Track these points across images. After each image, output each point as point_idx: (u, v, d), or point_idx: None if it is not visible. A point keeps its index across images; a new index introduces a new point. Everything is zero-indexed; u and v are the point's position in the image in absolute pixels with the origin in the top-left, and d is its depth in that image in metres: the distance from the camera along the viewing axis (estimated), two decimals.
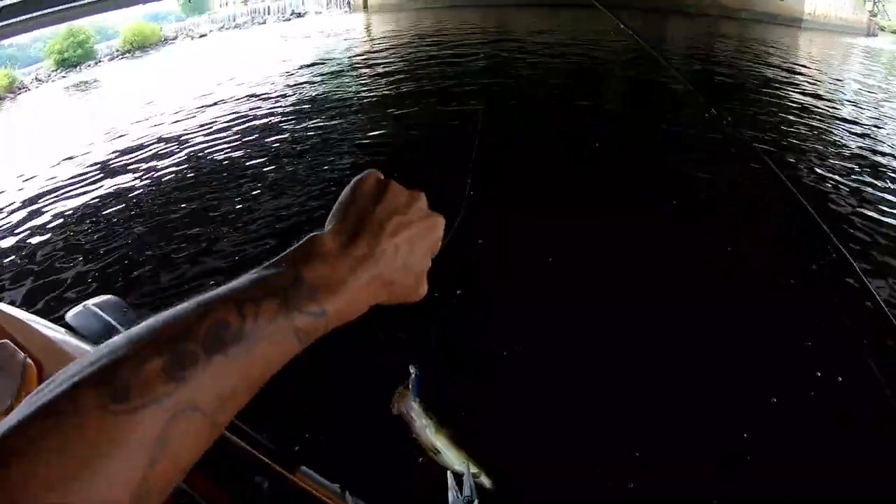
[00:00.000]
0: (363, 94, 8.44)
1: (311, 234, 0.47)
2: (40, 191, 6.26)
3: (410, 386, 1.32)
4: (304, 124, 7.26)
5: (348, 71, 10.36)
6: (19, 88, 15.14)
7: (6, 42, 16.04)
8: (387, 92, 8.30)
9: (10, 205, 6.00)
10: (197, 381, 0.36)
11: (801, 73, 8.68)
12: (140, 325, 0.38)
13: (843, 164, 5.32)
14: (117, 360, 0.35)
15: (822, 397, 2.59)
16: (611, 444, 2.36)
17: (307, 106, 8.14)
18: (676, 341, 2.87)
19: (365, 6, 19.34)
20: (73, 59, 16.75)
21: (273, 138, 6.87)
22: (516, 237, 3.91)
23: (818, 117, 6.56)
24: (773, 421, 2.49)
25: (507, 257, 3.72)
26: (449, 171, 1.97)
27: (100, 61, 17.19)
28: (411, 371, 1.34)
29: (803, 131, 6.12)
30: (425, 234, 0.51)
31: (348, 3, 19.85)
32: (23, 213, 5.70)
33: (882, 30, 12.51)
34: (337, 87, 9.06)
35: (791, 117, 6.52)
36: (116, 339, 0.37)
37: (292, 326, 0.41)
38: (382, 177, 0.53)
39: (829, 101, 7.31)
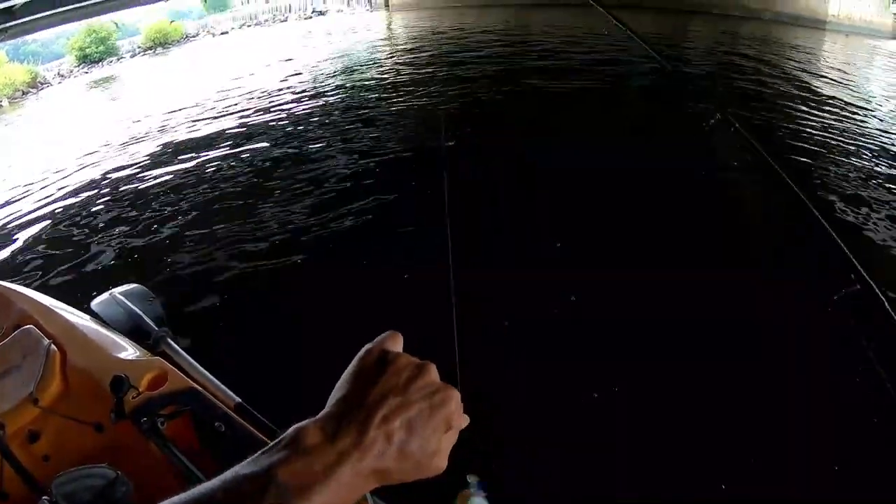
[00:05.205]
0: (382, 94, 8.45)
1: (298, 425, 0.45)
2: (65, 182, 6.35)
3: (472, 490, 1.13)
4: (324, 121, 7.30)
5: (369, 69, 10.39)
6: (41, 83, 15.41)
7: (29, 38, 16.33)
8: (405, 90, 8.31)
9: (37, 195, 6.09)
10: None
11: (823, 77, 8.50)
12: None
13: (870, 181, 4.88)
14: None
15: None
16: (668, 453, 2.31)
17: (325, 105, 8.16)
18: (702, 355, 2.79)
19: (386, 4, 19.45)
20: (94, 55, 17.02)
21: (292, 136, 6.90)
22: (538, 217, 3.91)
23: (840, 125, 6.35)
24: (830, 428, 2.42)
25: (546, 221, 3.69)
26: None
27: (122, 57, 17.46)
28: (470, 480, 1.14)
29: (824, 140, 5.77)
30: (430, 414, 0.47)
31: (370, 0, 19.95)
32: (51, 203, 5.79)
33: None
34: (357, 87, 9.09)
35: (811, 123, 6.30)
36: None
37: None
38: (391, 348, 0.50)
39: (852, 107, 7.11)
